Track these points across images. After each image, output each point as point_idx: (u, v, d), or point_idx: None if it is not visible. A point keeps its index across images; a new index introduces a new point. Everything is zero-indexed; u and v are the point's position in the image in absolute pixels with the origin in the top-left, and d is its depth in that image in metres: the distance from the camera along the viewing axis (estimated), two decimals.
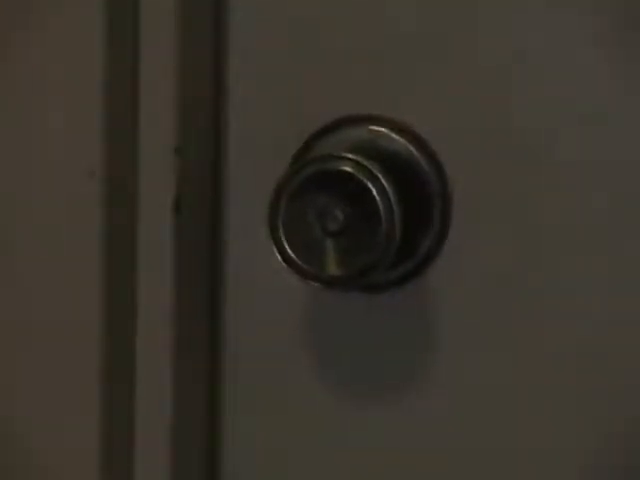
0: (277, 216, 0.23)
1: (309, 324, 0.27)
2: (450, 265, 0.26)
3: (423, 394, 0.26)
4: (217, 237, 0.29)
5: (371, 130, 0.26)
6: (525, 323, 0.26)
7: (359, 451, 0.27)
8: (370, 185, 0.23)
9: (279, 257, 0.23)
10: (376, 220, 0.23)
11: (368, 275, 0.23)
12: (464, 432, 0.26)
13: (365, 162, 0.23)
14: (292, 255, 0.23)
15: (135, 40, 0.28)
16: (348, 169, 0.23)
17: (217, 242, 0.29)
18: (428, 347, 0.27)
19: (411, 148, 0.26)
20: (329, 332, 0.27)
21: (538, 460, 0.26)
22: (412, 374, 0.27)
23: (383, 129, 0.26)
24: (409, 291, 0.26)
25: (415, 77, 0.27)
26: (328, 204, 0.23)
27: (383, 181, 0.23)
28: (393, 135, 0.26)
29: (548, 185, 0.26)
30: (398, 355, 0.27)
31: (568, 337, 0.26)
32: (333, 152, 0.24)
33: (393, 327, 0.26)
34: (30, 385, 0.30)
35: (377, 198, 0.23)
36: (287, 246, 0.23)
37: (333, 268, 0.23)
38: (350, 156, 0.23)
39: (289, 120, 0.27)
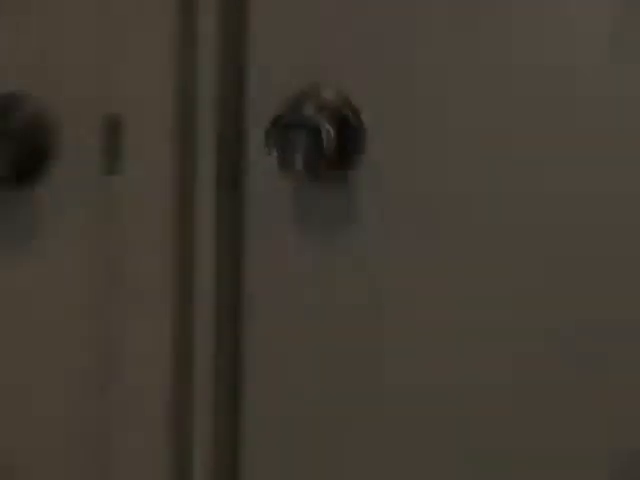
0: (270, 137, 0.44)
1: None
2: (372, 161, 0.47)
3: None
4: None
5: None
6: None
7: None
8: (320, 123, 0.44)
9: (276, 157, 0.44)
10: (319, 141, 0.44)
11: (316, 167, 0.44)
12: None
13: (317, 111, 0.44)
14: (279, 155, 0.44)
15: None
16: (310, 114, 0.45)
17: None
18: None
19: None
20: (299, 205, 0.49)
21: None
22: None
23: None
24: (350, 177, 0.47)
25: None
26: (298, 134, 0.45)
27: (325, 122, 0.44)
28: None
29: None
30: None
31: None
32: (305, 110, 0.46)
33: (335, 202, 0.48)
34: None
35: (324, 131, 0.44)
36: (277, 151, 0.44)
37: (299, 164, 0.44)
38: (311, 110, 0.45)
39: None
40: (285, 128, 0.44)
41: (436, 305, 0.46)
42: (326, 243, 0.48)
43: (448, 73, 0.45)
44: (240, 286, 0.50)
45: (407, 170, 0.46)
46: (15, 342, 0.53)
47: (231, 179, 0.49)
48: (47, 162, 0.50)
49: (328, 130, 0.44)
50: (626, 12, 0.42)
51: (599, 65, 0.43)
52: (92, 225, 0.50)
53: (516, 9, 0.44)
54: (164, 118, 0.49)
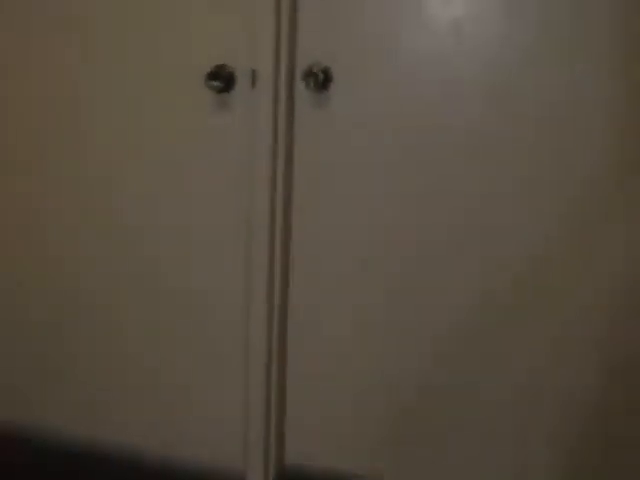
0: (302, 77, 1.44)
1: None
2: (337, 91, 1.46)
3: None
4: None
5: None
6: None
7: None
8: (318, 73, 1.44)
9: (304, 84, 1.44)
10: (318, 79, 1.44)
11: (316, 88, 1.44)
12: None
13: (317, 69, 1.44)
14: (305, 83, 1.44)
15: None
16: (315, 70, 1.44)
17: None
18: None
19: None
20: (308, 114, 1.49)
21: None
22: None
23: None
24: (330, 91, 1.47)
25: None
26: (311, 77, 1.44)
27: (320, 73, 1.43)
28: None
29: None
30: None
31: None
32: (314, 69, 1.45)
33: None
34: None
35: (319, 76, 1.44)
36: (305, 82, 1.44)
37: (311, 86, 1.44)
38: (315, 69, 1.44)
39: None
40: (306, 75, 1.44)
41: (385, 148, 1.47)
42: (324, 113, 1.49)
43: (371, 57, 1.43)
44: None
45: (350, 94, 1.46)
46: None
47: (289, 85, 1.49)
48: (234, 84, 1.51)
49: (320, 75, 1.44)
50: None
51: None
52: (246, 108, 1.52)
53: None
54: (268, 70, 1.48)
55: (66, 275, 1.75)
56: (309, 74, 1.44)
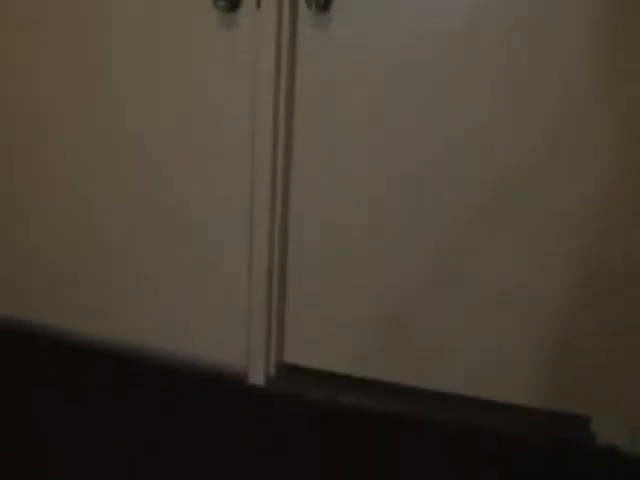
0: None
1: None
2: (336, 10, 1.55)
3: None
4: None
5: None
6: None
7: None
8: None
9: (305, 3, 1.53)
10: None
11: (317, 7, 1.53)
12: None
13: None
14: (307, 2, 1.53)
15: None
16: None
17: None
18: None
19: None
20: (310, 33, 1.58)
21: None
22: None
23: None
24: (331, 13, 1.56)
25: None
26: None
27: None
28: None
29: None
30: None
31: None
32: None
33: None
34: None
35: None
36: (306, 1, 1.53)
37: (311, 6, 1.53)
38: None
39: None
40: None
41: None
42: (324, 34, 1.58)
43: None
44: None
45: (350, 16, 1.54)
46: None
47: (292, 6, 1.58)
48: (240, 4, 1.60)
49: None
50: None
51: None
52: (251, 28, 1.60)
53: None
54: None
55: (75, 190, 1.87)
56: None
